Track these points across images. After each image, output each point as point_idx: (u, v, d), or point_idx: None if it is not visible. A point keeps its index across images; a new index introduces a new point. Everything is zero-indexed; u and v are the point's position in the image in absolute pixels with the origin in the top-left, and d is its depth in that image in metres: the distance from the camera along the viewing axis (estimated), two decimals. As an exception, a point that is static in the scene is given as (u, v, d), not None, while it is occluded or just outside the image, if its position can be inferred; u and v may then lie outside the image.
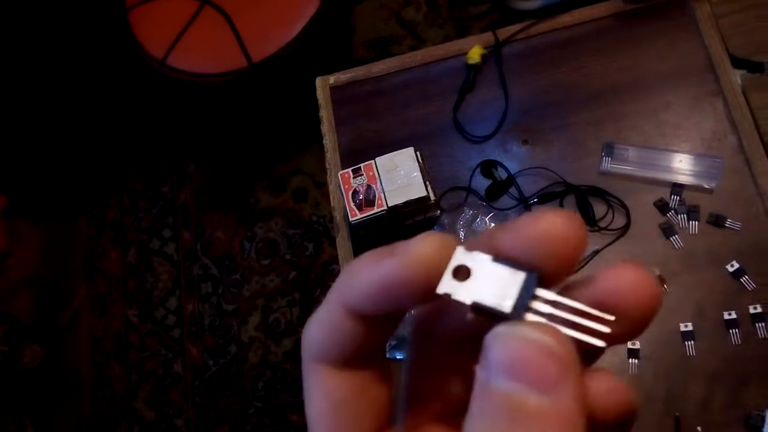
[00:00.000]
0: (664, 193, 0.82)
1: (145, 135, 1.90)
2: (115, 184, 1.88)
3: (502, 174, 0.86)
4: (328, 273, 1.68)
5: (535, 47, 0.91)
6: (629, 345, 0.77)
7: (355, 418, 0.21)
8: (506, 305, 0.18)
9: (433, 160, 0.88)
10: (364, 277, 0.19)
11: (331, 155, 0.91)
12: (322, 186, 1.73)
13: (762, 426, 0.71)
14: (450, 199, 0.87)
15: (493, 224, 0.84)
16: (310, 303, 1.66)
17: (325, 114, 0.93)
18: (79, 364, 1.73)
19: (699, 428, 0.73)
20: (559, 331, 0.18)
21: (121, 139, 1.91)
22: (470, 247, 0.19)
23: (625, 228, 0.81)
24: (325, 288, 1.66)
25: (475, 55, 0.90)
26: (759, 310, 0.75)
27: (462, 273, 0.19)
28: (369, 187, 0.79)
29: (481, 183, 0.86)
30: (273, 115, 1.82)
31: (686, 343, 0.76)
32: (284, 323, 1.66)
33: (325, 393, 0.21)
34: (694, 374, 0.75)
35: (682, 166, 0.81)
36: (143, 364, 1.71)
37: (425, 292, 0.19)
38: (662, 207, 0.81)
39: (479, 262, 0.19)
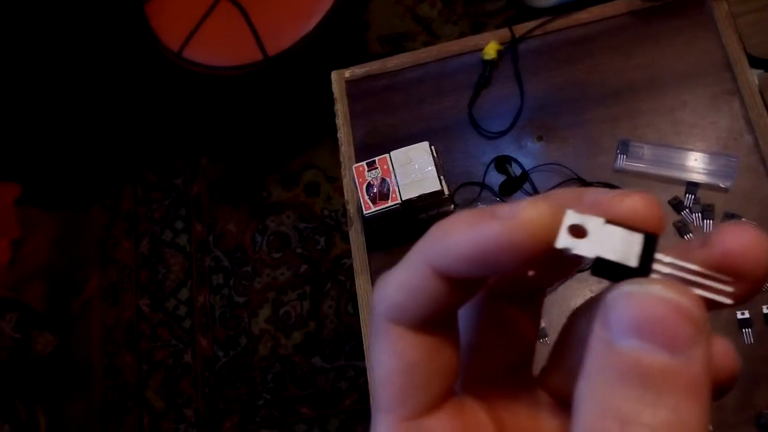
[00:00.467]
0: (678, 191, 0.81)
1: (159, 127, 1.91)
2: (128, 175, 1.89)
3: (516, 170, 0.86)
4: (339, 267, 1.68)
5: (551, 44, 0.91)
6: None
7: (425, 382, 0.21)
8: (632, 261, 0.18)
9: (448, 155, 0.88)
10: (462, 238, 0.19)
11: (346, 148, 0.91)
12: (335, 180, 1.74)
13: (773, 426, 0.71)
14: (464, 194, 0.87)
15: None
16: (320, 297, 1.67)
17: (341, 108, 0.93)
18: (91, 352, 1.75)
19: (710, 428, 0.73)
20: (691, 291, 0.17)
21: (135, 131, 1.92)
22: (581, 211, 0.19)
23: (639, 226, 0.81)
24: (336, 282, 1.67)
25: (491, 50, 0.90)
26: (772, 310, 0.75)
27: (578, 231, 0.18)
28: (383, 180, 0.79)
29: (495, 178, 0.87)
30: (287, 109, 1.82)
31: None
32: (294, 316, 1.67)
33: (397, 354, 0.21)
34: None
35: (697, 165, 0.81)
36: (154, 354, 1.72)
37: (528, 258, 0.18)
38: (677, 205, 0.81)
39: (593, 222, 0.18)
